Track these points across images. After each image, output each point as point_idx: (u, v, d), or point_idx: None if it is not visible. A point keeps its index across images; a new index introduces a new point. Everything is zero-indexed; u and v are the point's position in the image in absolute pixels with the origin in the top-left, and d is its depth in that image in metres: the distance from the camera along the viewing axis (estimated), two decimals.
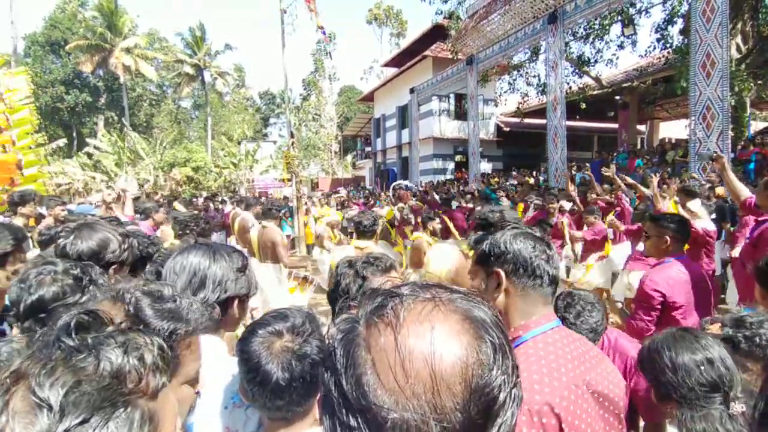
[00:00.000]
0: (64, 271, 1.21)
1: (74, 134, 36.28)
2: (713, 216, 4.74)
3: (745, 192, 3.47)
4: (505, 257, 1.11)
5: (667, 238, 2.45)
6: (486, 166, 19.48)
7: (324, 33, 9.79)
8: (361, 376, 0.44)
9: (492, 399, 0.44)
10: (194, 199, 13.30)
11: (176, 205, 8.80)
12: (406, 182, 17.88)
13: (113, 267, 1.66)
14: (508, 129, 20.57)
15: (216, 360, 1.23)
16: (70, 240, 1.62)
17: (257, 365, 0.99)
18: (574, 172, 12.68)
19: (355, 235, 3.70)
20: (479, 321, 0.47)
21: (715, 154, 3.49)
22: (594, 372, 1.08)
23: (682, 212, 4.07)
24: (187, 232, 3.45)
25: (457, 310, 0.47)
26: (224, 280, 1.25)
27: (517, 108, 17.35)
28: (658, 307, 2.31)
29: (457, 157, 20.93)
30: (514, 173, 16.50)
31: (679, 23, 12.62)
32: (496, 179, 15.65)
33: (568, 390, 0.99)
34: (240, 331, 1.39)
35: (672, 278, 2.35)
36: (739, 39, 10.20)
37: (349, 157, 36.21)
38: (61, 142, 21.93)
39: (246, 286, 1.30)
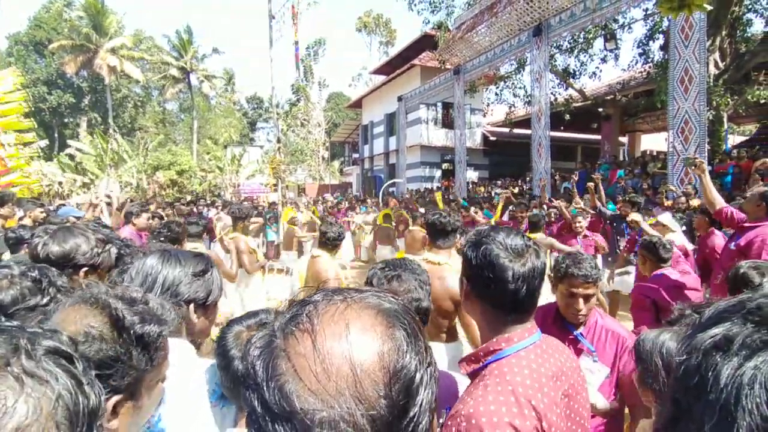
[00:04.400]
0: (21, 274, 1.18)
1: (56, 135, 35.59)
2: (683, 228, 4.87)
3: (720, 201, 3.59)
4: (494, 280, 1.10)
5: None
6: (472, 175, 19.64)
7: (297, 50, 9.80)
8: (284, 385, 0.44)
9: (410, 379, 0.47)
10: (175, 204, 13.12)
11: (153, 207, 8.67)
12: (397, 181, 17.89)
13: (84, 270, 1.65)
14: (494, 138, 20.82)
15: (184, 362, 1.22)
16: (43, 241, 1.63)
17: (224, 350, 1.10)
18: (558, 181, 12.89)
19: (318, 244, 3.59)
20: (390, 311, 0.50)
21: (697, 160, 3.60)
22: (569, 383, 1.10)
23: (650, 229, 4.18)
24: (161, 238, 3.39)
25: (369, 306, 0.50)
26: (175, 283, 1.23)
27: (505, 118, 17.59)
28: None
29: (444, 165, 21.08)
30: (499, 182, 16.68)
31: (660, 39, 12.97)
32: (482, 188, 15.79)
33: (550, 411, 1.00)
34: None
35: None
36: (716, 55, 10.51)
37: (336, 163, 36.16)
38: (42, 143, 21.46)
39: (204, 291, 1.27)
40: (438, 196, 11.05)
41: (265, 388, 0.45)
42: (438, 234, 2.47)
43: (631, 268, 4.98)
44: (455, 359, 2.28)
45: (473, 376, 1.10)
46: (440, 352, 2.30)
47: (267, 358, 0.47)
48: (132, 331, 0.82)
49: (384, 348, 0.47)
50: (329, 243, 3.42)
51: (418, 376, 0.48)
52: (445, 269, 2.37)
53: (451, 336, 2.42)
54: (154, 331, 0.85)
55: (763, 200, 3.30)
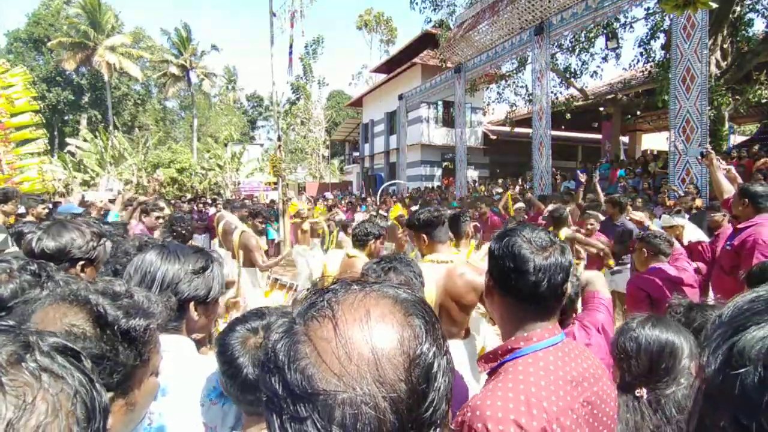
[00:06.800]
0: (21, 268, 1.17)
1: (55, 133, 35.52)
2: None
3: (729, 190, 3.57)
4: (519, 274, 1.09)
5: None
6: (473, 174, 19.62)
7: (291, 54, 9.72)
8: (307, 367, 0.46)
9: (429, 365, 0.49)
10: (176, 202, 13.11)
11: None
12: (398, 182, 17.86)
13: (81, 263, 1.65)
14: (495, 137, 20.79)
15: (185, 359, 1.21)
16: (37, 236, 1.62)
17: (230, 358, 1.04)
18: (558, 180, 12.88)
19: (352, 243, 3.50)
20: (408, 301, 0.53)
21: (705, 150, 3.61)
22: (591, 390, 1.07)
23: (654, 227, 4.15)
24: (174, 234, 3.39)
25: (387, 295, 0.53)
26: (174, 281, 1.20)
27: (506, 117, 17.56)
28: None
29: (445, 164, 21.06)
30: (500, 181, 16.67)
31: (662, 38, 12.94)
32: (483, 187, 15.77)
33: (564, 416, 0.98)
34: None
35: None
36: (718, 55, 10.49)
37: (336, 162, 36.13)
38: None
39: (204, 288, 1.25)
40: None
41: (287, 371, 0.47)
42: (434, 228, 2.38)
43: (624, 267, 4.97)
44: (472, 354, 2.25)
45: (491, 374, 1.11)
46: (459, 349, 2.26)
47: (289, 343, 0.49)
48: (116, 327, 0.79)
49: (404, 334, 0.48)
50: (358, 241, 3.34)
51: (436, 362, 0.49)
52: (458, 264, 2.30)
53: (467, 332, 2.40)
54: (140, 325, 0.82)
55: (744, 196, 3.26)
